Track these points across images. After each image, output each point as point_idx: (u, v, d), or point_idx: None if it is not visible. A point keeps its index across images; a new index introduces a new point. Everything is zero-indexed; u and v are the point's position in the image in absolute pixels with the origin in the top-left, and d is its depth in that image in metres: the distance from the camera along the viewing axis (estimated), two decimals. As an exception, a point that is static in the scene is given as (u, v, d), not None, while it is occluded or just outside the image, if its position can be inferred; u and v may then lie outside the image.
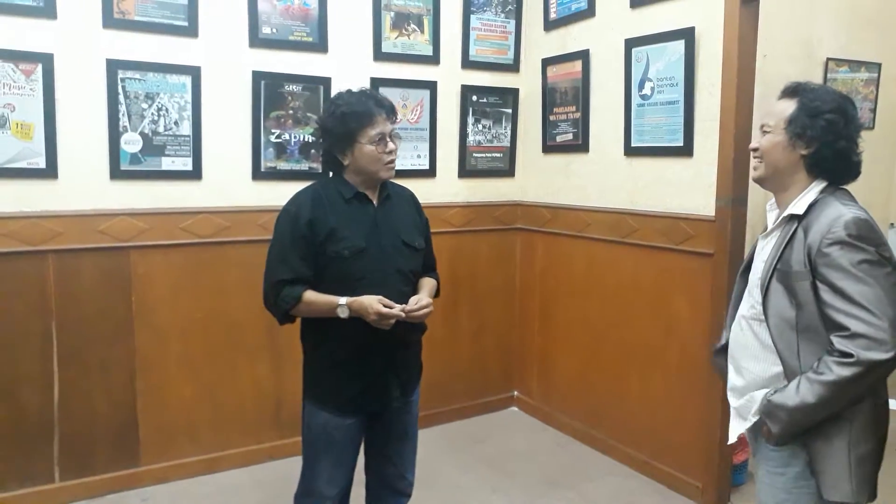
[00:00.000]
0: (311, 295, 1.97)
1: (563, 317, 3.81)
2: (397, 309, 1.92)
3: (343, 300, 1.93)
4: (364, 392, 2.03)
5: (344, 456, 2.07)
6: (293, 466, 3.06)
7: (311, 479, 2.07)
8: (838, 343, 1.57)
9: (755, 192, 2.89)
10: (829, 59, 4.23)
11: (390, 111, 2.03)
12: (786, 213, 1.71)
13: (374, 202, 2.07)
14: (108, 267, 2.98)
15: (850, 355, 1.54)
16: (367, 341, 1.99)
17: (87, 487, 2.98)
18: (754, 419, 1.75)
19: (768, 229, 1.79)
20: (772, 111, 1.75)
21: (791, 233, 1.67)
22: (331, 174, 2.11)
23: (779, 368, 1.68)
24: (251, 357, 3.31)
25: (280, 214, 2.04)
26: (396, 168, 2.11)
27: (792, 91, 1.74)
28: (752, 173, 1.82)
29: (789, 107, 1.71)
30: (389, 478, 2.20)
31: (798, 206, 1.69)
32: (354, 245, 1.98)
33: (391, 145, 2.00)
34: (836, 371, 1.55)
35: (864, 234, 1.57)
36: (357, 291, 1.95)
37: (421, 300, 1.99)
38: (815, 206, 1.66)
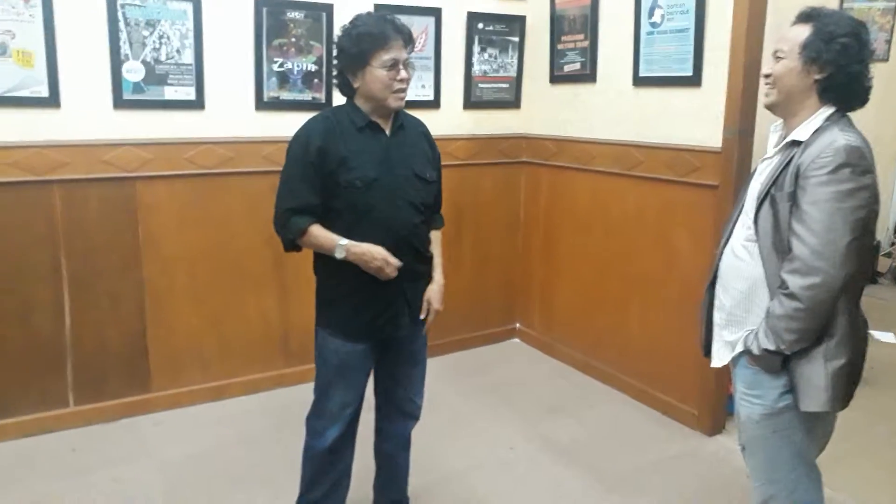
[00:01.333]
0: (315, 229, 1.97)
1: (567, 250, 3.83)
2: (395, 263, 1.96)
3: (343, 241, 1.94)
4: (375, 320, 2.07)
5: (355, 379, 2.13)
6: (300, 393, 3.16)
7: (323, 401, 2.13)
8: (783, 269, 1.65)
9: (762, 123, 2.87)
10: (846, -13, 4.11)
11: (408, 39, 1.98)
12: (788, 139, 1.72)
13: (387, 132, 2.05)
14: (115, 197, 2.99)
15: (787, 286, 1.62)
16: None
17: (100, 412, 3.08)
18: (736, 352, 1.81)
19: (769, 153, 1.81)
20: (785, 37, 1.73)
21: (790, 157, 1.69)
22: (344, 102, 2.09)
23: (765, 288, 1.72)
24: (257, 287, 3.35)
25: (291, 141, 2.02)
26: None
27: (806, 16, 1.71)
28: (763, 100, 1.82)
29: (803, 32, 1.69)
30: (399, 400, 2.27)
31: (802, 133, 1.70)
32: (366, 175, 1.96)
33: (403, 73, 1.95)
34: (780, 309, 1.64)
35: (853, 162, 1.59)
36: (367, 222, 1.95)
37: (434, 302, 2.15)
38: (817, 132, 1.67)
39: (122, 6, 2.89)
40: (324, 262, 2.07)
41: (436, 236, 2.24)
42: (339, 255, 1.95)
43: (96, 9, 2.84)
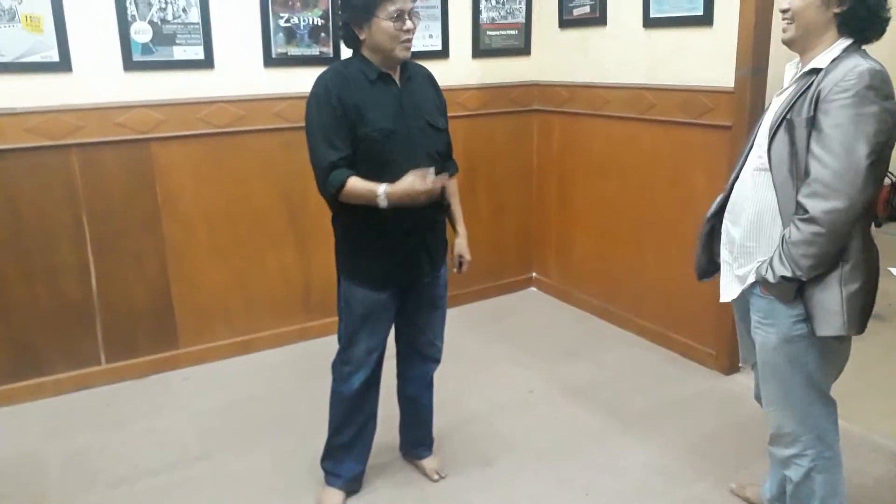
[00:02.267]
0: (354, 182, 1.95)
1: (581, 197, 3.83)
2: (432, 175, 1.92)
3: (381, 189, 1.91)
4: (397, 268, 2.12)
5: (379, 326, 2.18)
6: (323, 345, 3.24)
7: (349, 348, 2.20)
8: (801, 193, 1.64)
9: (775, 62, 2.83)
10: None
11: None
12: (807, 68, 1.70)
13: (398, 83, 2.05)
14: (131, 158, 3.03)
15: (805, 210, 1.61)
16: (398, 223, 2.04)
17: (132, 368, 3.18)
18: (748, 284, 1.82)
19: (784, 86, 1.79)
20: None
21: (808, 85, 1.67)
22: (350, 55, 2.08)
23: (776, 217, 1.73)
24: (277, 243, 3.41)
25: (309, 98, 2.00)
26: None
27: None
28: (781, 35, 1.78)
29: None
30: (420, 344, 2.33)
31: (821, 61, 1.68)
32: (383, 127, 1.97)
33: (409, 24, 1.94)
34: (797, 235, 1.63)
35: (877, 85, 1.58)
36: (387, 174, 1.94)
37: (464, 254, 2.30)
38: (836, 60, 1.65)
39: (127, -34, 2.88)
40: (345, 214, 2.08)
41: (452, 185, 2.26)
42: (382, 204, 1.92)
43: (101, -30, 2.84)
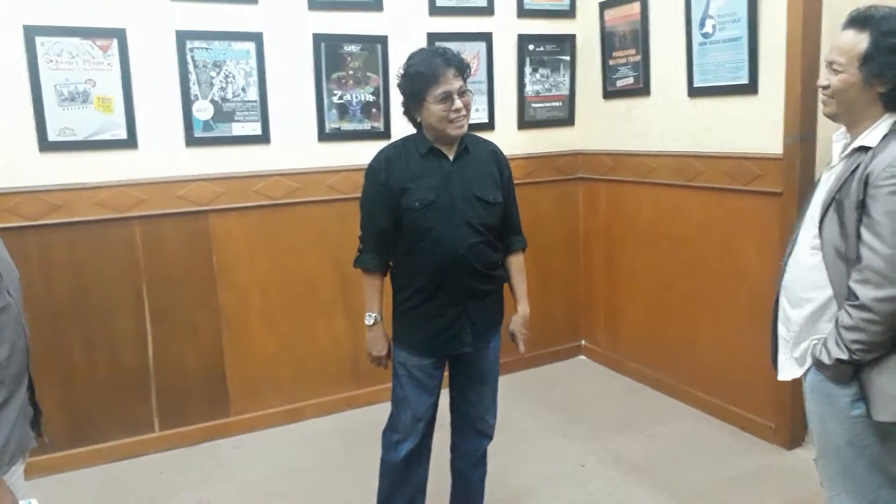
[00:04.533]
0: (368, 281, 2.21)
1: (630, 264, 3.81)
2: (383, 362, 2.27)
3: (373, 315, 2.21)
4: (438, 336, 2.14)
5: (425, 393, 2.18)
6: (371, 414, 3.23)
7: (397, 414, 2.21)
8: (851, 279, 1.60)
9: (823, 127, 2.82)
10: (906, -16, 4.00)
11: (460, 68, 2.04)
12: (855, 145, 1.67)
13: (451, 157, 2.12)
14: (190, 230, 3.15)
15: (856, 297, 1.57)
16: (439, 292, 2.10)
17: (184, 436, 3.22)
18: (806, 368, 1.77)
19: (833, 161, 1.76)
20: (840, 46, 1.65)
21: (857, 164, 1.63)
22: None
23: (832, 296, 1.68)
24: (327, 311, 3.46)
25: (366, 170, 2.18)
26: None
27: (860, 21, 1.63)
28: (822, 109, 1.77)
29: (861, 41, 1.61)
30: (471, 418, 2.31)
31: (870, 139, 1.64)
32: (424, 197, 2.06)
33: (458, 103, 2.02)
34: (849, 320, 1.59)
35: None
36: (427, 241, 2.06)
37: (518, 333, 2.36)
38: (886, 138, 1.61)
39: (191, 50, 3.06)
40: (396, 276, 2.19)
41: (517, 262, 2.33)
42: (366, 320, 2.22)
43: (167, 54, 3.02)
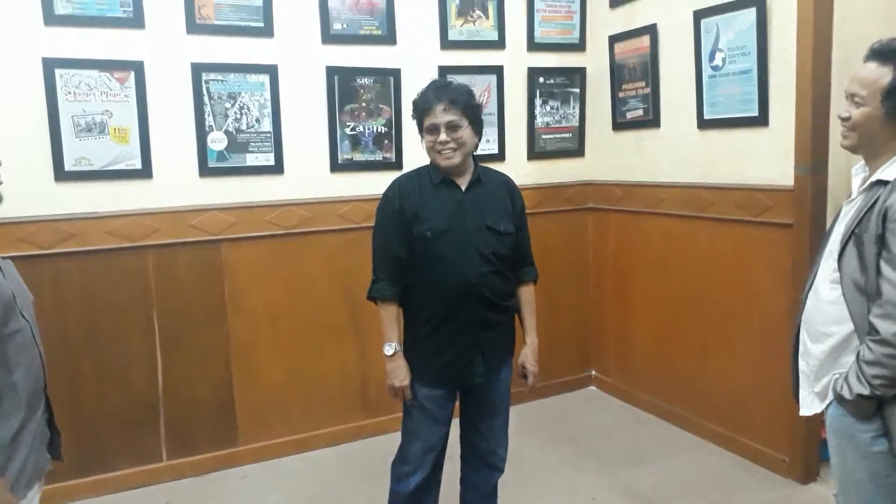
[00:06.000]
0: (385, 310, 2.17)
1: (640, 295, 3.80)
2: (403, 394, 2.17)
3: (392, 345, 2.15)
4: (447, 367, 2.14)
5: (435, 425, 2.18)
6: (379, 444, 3.21)
7: (406, 446, 2.20)
8: (872, 313, 1.58)
9: (835, 158, 2.83)
10: (914, 17, 4.03)
11: (454, 101, 2.06)
12: (874, 178, 1.66)
13: (463, 187, 2.15)
14: (202, 259, 3.17)
15: (877, 332, 1.56)
16: (450, 322, 2.11)
17: (192, 465, 3.20)
18: (828, 402, 1.75)
19: (853, 195, 1.76)
20: (862, 78, 1.66)
21: (875, 198, 1.63)
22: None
23: (852, 330, 1.67)
24: (337, 341, 3.45)
25: (381, 198, 2.21)
26: None
27: (884, 55, 1.63)
28: (840, 141, 1.76)
29: (884, 75, 1.61)
30: (481, 451, 2.30)
31: (888, 172, 1.63)
32: (436, 227, 2.09)
33: (442, 136, 2.06)
34: (870, 355, 1.58)
35: None
36: (438, 270, 2.08)
37: (528, 365, 2.33)
38: None
39: (206, 82, 3.11)
40: (408, 307, 2.20)
41: (527, 293, 2.34)
42: (385, 350, 2.16)
43: (183, 86, 3.07)
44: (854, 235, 1.65)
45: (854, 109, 1.67)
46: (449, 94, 2.08)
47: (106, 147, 2.97)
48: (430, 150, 2.11)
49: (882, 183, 1.64)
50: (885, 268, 1.57)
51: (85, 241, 2.95)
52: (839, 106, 1.78)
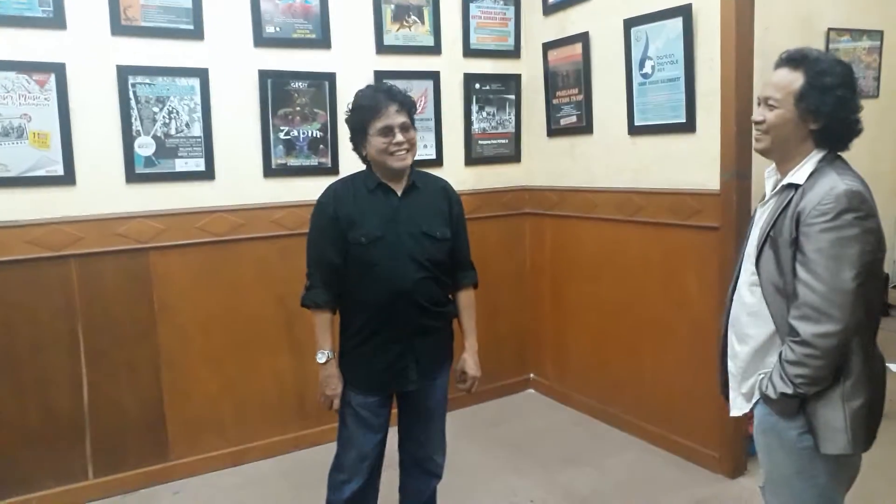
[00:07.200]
0: (319, 318, 2.15)
1: (575, 298, 3.86)
2: (332, 404, 2.16)
3: (325, 352, 2.14)
4: (382, 373, 2.13)
5: (370, 432, 2.16)
6: (318, 455, 3.16)
7: (342, 454, 2.18)
8: (791, 315, 1.64)
9: (758, 164, 2.93)
10: (830, 29, 4.25)
11: (404, 104, 2.09)
12: (785, 182, 1.72)
13: (399, 192, 2.14)
14: (129, 268, 3.06)
15: (797, 333, 1.61)
16: (384, 328, 2.09)
17: (120, 482, 3.08)
18: (754, 402, 1.80)
19: (766, 197, 1.82)
20: (775, 82, 1.71)
21: (787, 201, 1.68)
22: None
23: (774, 331, 1.72)
24: (272, 350, 3.39)
25: (315, 205, 2.18)
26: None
27: (794, 61, 1.69)
28: (755, 144, 1.81)
29: (796, 80, 1.67)
30: (419, 458, 2.29)
31: (798, 176, 1.69)
32: (370, 233, 2.07)
33: (398, 137, 2.06)
34: (792, 356, 1.63)
35: (854, 206, 1.58)
36: (371, 276, 2.07)
37: (468, 370, 2.31)
38: (813, 175, 1.67)
39: (133, 85, 3.01)
40: (342, 314, 2.18)
41: (466, 298, 2.33)
42: (318, 358, 2.14)
43: (109, 89, 2.96)
44: (770, 238, 1.71)
45: (768, 112, 1.72)
46: (400, 96, 2.10)
47: (24, 153, 2.83)
48: (383, 151, 2.07)
49: (793, 186, 1.69)
50: (800, 270, 1.62)
51: (2, 250, 2.81)
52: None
